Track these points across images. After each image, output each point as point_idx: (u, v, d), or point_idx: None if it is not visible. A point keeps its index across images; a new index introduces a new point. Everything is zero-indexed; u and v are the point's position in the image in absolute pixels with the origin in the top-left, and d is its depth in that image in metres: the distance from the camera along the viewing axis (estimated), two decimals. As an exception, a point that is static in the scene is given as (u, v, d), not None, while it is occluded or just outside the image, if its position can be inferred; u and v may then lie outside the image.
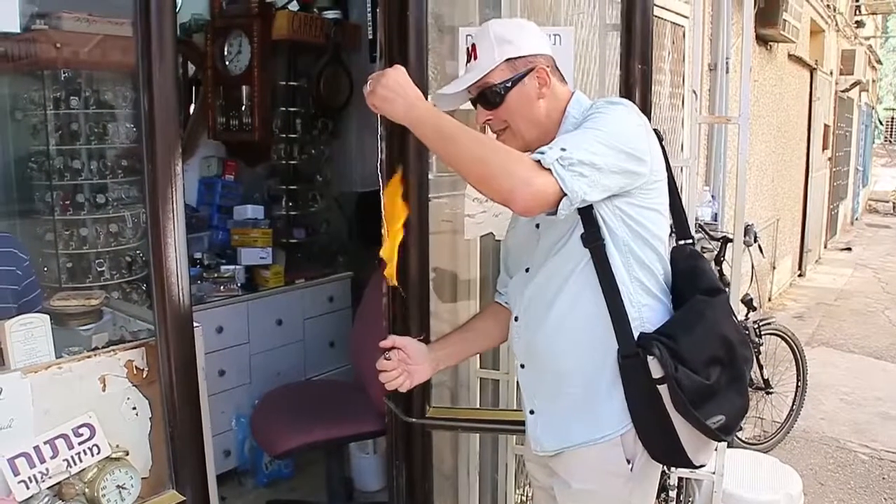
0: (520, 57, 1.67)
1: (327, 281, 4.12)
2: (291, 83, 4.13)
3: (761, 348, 4.26)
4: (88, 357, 1.82)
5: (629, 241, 1.65)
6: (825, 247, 11.20)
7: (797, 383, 4.54)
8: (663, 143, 1.73)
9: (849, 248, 11.67)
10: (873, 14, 12.83)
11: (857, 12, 11.72)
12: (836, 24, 9.86)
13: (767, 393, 4.38)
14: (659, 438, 1.65)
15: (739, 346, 1.68)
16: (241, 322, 3.67)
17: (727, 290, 1.74)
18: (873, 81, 15.79)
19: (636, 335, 1.64)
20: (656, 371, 1.59)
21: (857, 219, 15.27)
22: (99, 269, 3.20)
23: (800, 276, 9.35)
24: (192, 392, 1.95)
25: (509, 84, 1.66)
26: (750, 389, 4.27)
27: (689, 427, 1.61)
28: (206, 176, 4.15)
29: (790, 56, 7.64)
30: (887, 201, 17.56)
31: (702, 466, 1.78)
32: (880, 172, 20.35)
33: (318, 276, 4.08)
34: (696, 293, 1.68)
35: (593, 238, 1.62)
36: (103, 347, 1.90)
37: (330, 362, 4.12)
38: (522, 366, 1.85)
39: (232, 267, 3.75)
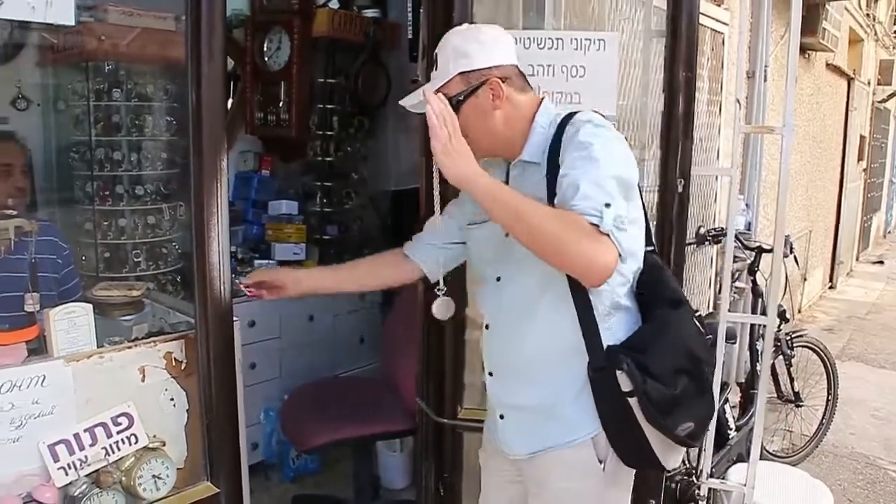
0: (473, 70, 1.68)
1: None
2: (329, 80, 4.14)
3: (792, 360, 4.21)
4: (129, 347, 1.84)
5: None
6: (857, 259, 11.04)
7: (827, 397, 4.49)
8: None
9: (881, 262, 11.48)
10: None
11: (898, 22, 11.54)
12: (876, 34, 9.72)
13: (797, 406, 4.33)
14: (630, 445, 1.70)
15: (703, 356, 1.73)
16: (273, 316, 3.69)
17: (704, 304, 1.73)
18: (911, 92, 15.53)
19: (605, 347, 1.67)
20: (625, 384, 1.63)
21: (889, 231, 15.03)
22: (135, 260, 3.24)
23: (831, 288, 9.23)
24: (229, 385, 1.97)
25: (461, 97, 1.68)
26: (779, 402, 4.28)
27: (658, 435, 1.66)
28: (242, 170, 4.18)
29: (828, 65, 7.55)
30: (922, 214, 17.26)
31: (675, 472, 1.81)
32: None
33: (351, 273, 4.08)
34: (660, 305, 1.72)
35: None
36: (143, 338, 1.92)
37: (359, 359, 4.14)
38: (491, 374, 1.88)
39: (265, 261, 3.77)
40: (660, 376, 1.62)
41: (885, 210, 14.29)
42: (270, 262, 3.79)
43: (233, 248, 3.76)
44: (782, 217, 2.37)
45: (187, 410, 1.94)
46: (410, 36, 4.16)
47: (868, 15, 9.01)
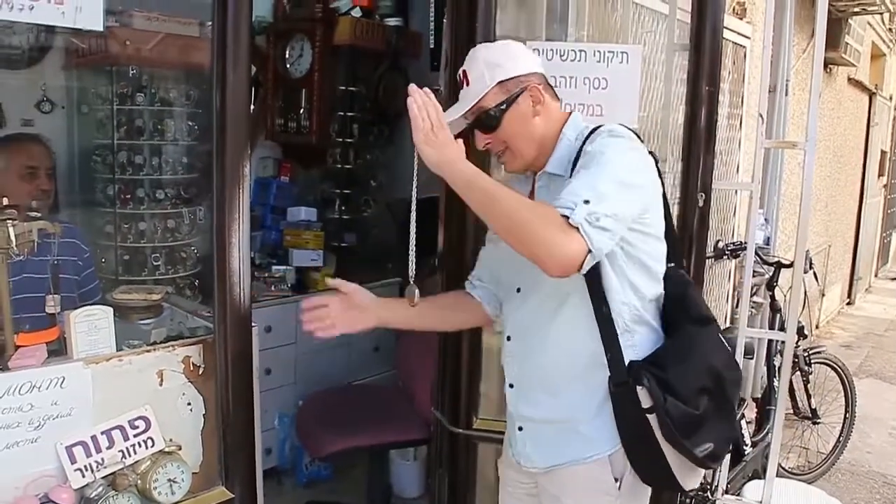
0: (511, 78, 1.68)
1: (376, 286, 4.06)
2: (350, 88, 4.14)
3: (810, 377, 4.18)
4: (147, 351, 1.84)
5: (625, 267, 1.65)
6: (875, 275, 10.94)
7: (845, 414, 4.45)
8: (658, 164, 1.72)
9: (901, 278, 11.39)
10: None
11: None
12: (898, 49, 9.66)
13: (814, 423, 4.29)
14: (648, 463, 1.68)
15: (728, 376, 1.70)
16: (289, 322, 3.69)
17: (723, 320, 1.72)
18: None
19: (628, 362, 1.66)
20: (645, 401, 1.62)
21: (910, 248, 14.90)
22: (154, 264, 3.25)
23: (849, 304, 9.15)
24: (246, 391, 1.98)
25: (504, 106, 1.68)
26: (796, 418, 4.24)
27: (677, 454, 1.64)
28: (261, 176, 4.20)
29: (850, 80, 7.51)
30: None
31: (691, 490, 1.80)
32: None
33: (368, 281, 4.01)
34: (686, 322, 1.70)
35: (592, 266, 1.60)
36: (162, 342, 1.93)
37: (374, 367, 4.13)
38: (511, 385, 1.87)
39: (283, 267, 3.78)
40: (681, 395, 1.61)
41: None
42: (288, 268, 3.80)
43: (251, 254, 3.77)
44: (804, 233, 2.36)
45: (204, 415, 1.94)
46: (432, 45, 4.17)
47: (891, 30, 8.95)
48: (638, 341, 1.69)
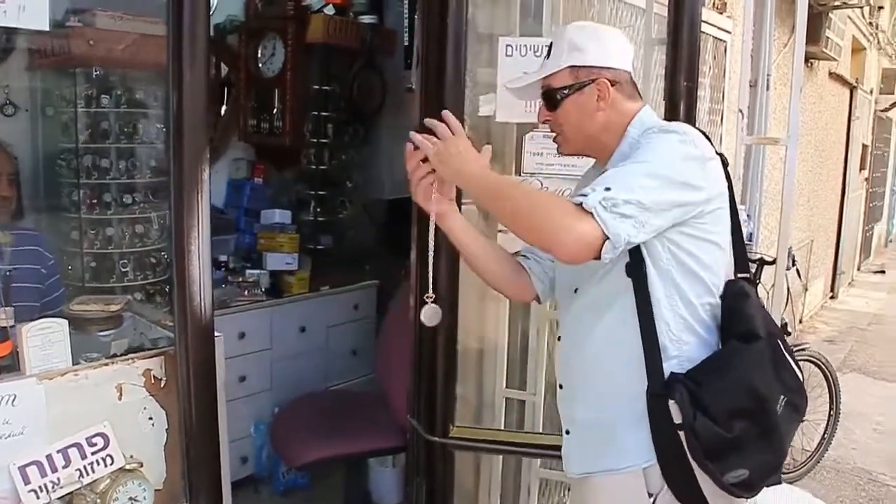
0: (584, 66, 1.65)
1: (353, 289, 4.07)
2: (324, 87, 4.07)
3: (794, 374, 4.13)
4: (105, 365, 1.79)
5: (675, 273, 1.59)
6: (858, 269, 10.97)
7: (829, 412, 4.42)
8: (727, 167, 1.65)
9: (882, 271, 11.42)
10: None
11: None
12: (878, 42, 9.68)
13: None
14: (681, 483, 1.60)
15: (782, 400, 1.60)
16: (264, 328, 3.63)
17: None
18: (913, 102, 15.49)
19: (668, 373, 1.59)
20: (676, 416, 1.55)
21: (890, 241, 14.98)
22: (123, 270, 3.16)
23: (832, 298, 9.16)
24: (210, 404, 1.91)
25: (567, 91, 1.66)
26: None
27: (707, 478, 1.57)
28: (234, 178, 4.12)
29: (831, 74, 7.51)
30: (923, 224, 17.20)
31: None
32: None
33: (344, 284, 4.03)
34: (731, 337, 1.61)
35: (636, 267, 1.57)
36: (122, 355, 1.86)
37: (352, 371, 4.06)
38: (561, 386, 1.82)
39: (257, 271, 3.70)
40: (713, 414, 1.52)
41: (887, 220, 14.24)
42: (262, 271, 3.72)
43: (224, 258, 3.72)
44: (787, 230, 2.31)
45: (166, 430, 1.88)
46: (407, 43, 4.09)
47: (871, 24, 8.96)
48: (686, 352, 1.61)
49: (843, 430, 4.63)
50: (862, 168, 10.11)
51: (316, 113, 4.07)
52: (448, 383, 2.42)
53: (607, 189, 1.42)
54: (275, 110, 3.91)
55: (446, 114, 1.66)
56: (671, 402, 1.55)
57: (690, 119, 2.15)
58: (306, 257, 3.97)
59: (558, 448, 2.37)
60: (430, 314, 1.86)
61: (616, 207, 1.40)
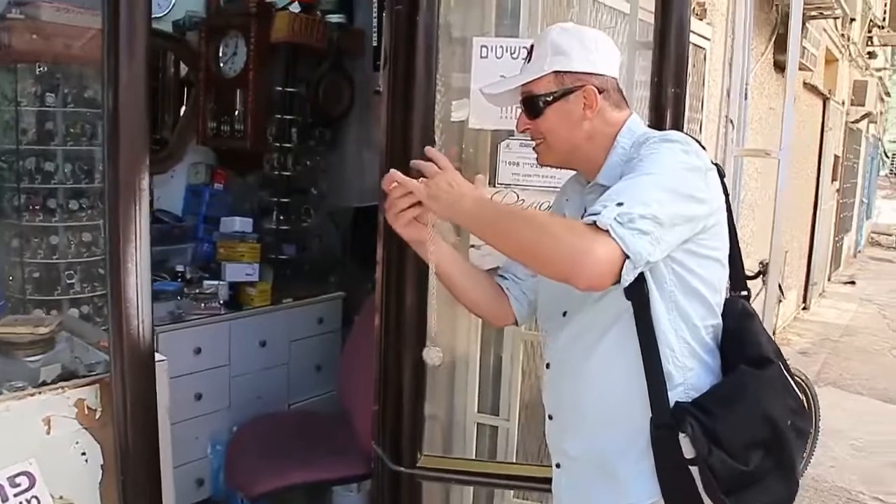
0: (569, 72, 1.52)
1: (317, 301, 3.87)
2: (289, 89, 3.90)
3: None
4: (31, 395, 1.60)
5: (678, 295, 1.46)
6: (829, 279, 11.00)
7: (809, 430, 4.30)
8: (724, 179, 1.52)
9: (853, 282, 11.47)
10: (885, 46, 12.69)
11: (870, 43, 11.57)
12: (850, 54, 9.70)
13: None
14: None
15: (790, 427, 1.47)
16: (221, 343, 3.42)
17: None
18: (881, 113, 15.67)
19: (674, 402, 1.45)
20: (688, 450, 1.41)
21: (859, 251, 15.13)
22: (69, 282, 2.95)
23: (804, 309, 9.14)
24: (150, 438, 1.74)
25: (550, 98, 1.52)
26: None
27: None
28: (193, 183, 3.90)
29: (805, 84, 7.46)
30: (890, 234, 17.41)
31: None
32: (882, 205, 20.25)
33: (308, 296, 3.83)
34: (741, 362, 1.47)
35: (637, 289, 1.40)
36: (52, 382, 1.68)
37: (315, 387, 3.86)
38: (550, 417, 1.69)
39: (215, 282, 3.50)
40: (729, 447, 1.39)
41: (856, 230, 14.37)
42: (221, 282, 3.52)
43: (181, 268, 3.51)
44: (778, 243, 2.17)
45: (102, 466, 1.71)
46: (376, 43, 3.93)
47: (843, 35, 8.97)
48: (691, 379, 1.49)
49: (820, 447, 4.52)
50: (834, 179, 10.13)
51: (280, 116, 3.90)
52: (416, 408, 2.25)
53: (619, 204, 1.28)
54: (236, 112, 3.72)
55: (430, 150, 1.56)
56: (682, 436, 1.41)
57: (678, 128, 2.01)
58: (268, 268, 3.77)
59: (533, 479, 2.24)
60: (432, 355, 1.67)
61: (633, 223, 1.26)
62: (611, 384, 1.53)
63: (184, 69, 3.91)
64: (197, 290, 3.45)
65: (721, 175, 1.52)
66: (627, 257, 1.25)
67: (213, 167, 3.94)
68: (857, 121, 11.31)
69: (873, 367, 6.90)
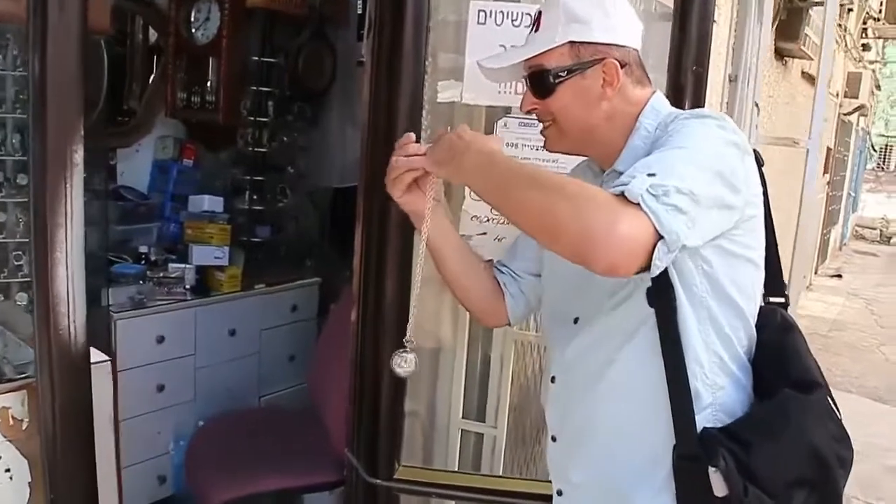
0: (588, 43, 1.30)
1: (292, 287, 3.65)
2: (266, 59, 3.68)
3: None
4: (-57, 403, 1.36)
5: (709, 300, 1.25)
6: (815, 272, 10.91)
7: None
8: (762, 168, 1.30)
9: (839, 276, 11.41)
10: (879, 38, 12.57)
11: (864, 35, 11.44)
12: (846, 45, 9.55)
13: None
14: None
15: (836, 460, 1.25)
16: (187, 331, 3.20)
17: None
18: (871, 106, 15.61)
19: (701, 428, 1.24)
20: (719, 488, 1.19)
21: (845, 244, 15.11)
22: (17, 263, 2.68)
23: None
24: (84, 450, 1.51)
25: (565, 73, 1.31)
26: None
27: None
28: (160, 158, 3.66)
29: (803, 73, 7.30)
30: (875, 228, 17.42)
31: None
32: (866, 198, 20.28)
33: (282, 282, 3.61)
34: (783, 384, 1.26)
35: (662, 294, 1.21)
36: (-30, 387, 1.44)
37: (288, 378, 3.66)
38: (554, 438, 1.50)
39: (181, 266, 3.26)
40: (768, 485, 1.18)
41: (842, 223, 14.34)
42: (188, 265, 3.29)
43: (144, 249, 3.29)
44: (805, 240, 1.95)
45: (30, 483, 1.51)
46: (360, 11, 3.70)
47: (840, 25, 8.81)
48: (721, 399, 1.28)
49: (813, 450, 4.39)
50: (825, 172, 10.01)
51: (255, 88, 3.70)
52: (394, 414, 2.06)
53: (651, 175, 1.06)
54: (208, 83, 3.49)
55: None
56: (712, 470, 1.19)
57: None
58: (239, 251, 3.54)
59: (523, 495, 2.03)
60: (403, 363, 1.41)
61: (667, 197, 1.05)
62: (628, 404, 1.33)
63: (153, 35, 3.65)
64: (161, 274, 3.23)
65: (759, 163, 1.30)
66: (661, 238, 1.04)
67: (182, 141, 3.70)
68: (849, 113, 11.21)
69: (863, 365, 6.82)
